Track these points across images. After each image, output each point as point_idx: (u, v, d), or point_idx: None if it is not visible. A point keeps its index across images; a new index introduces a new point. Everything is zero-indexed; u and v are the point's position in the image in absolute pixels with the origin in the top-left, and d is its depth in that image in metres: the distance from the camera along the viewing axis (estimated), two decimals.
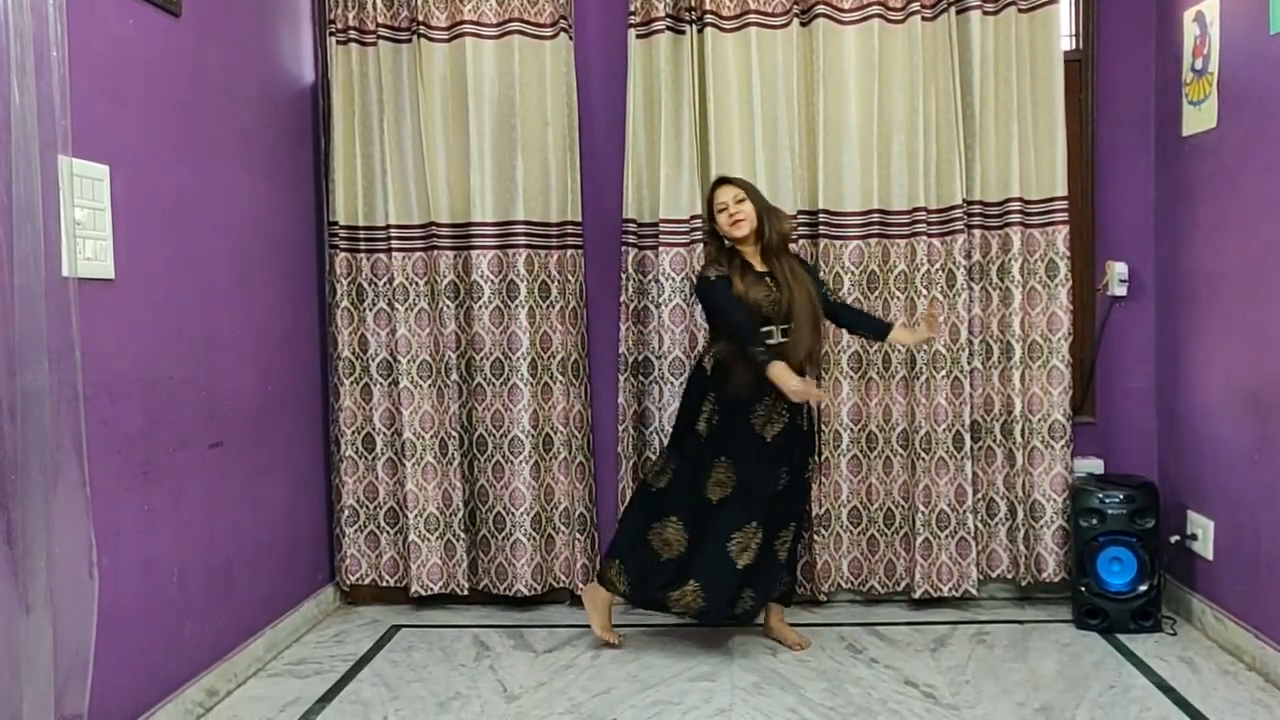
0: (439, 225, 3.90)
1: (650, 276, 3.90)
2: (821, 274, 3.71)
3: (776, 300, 3.30)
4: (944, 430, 3.82)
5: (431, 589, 3.96)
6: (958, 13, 3.78)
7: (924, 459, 3.83)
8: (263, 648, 3.47)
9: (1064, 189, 3.78)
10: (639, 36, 3.86)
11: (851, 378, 3.85)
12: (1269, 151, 3.13)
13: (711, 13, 3.79)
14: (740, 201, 3.34)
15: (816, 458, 3.73)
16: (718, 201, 3.38)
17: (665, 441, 3.85)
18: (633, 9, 3.85)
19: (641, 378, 3.95)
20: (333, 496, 4.07)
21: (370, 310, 3.98)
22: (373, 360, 3.98)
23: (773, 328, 3.30)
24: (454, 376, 3.94)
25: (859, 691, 3.13)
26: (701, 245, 3.77)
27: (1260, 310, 3.20)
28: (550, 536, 3.98)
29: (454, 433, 3.95)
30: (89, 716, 2.30)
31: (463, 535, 3.97)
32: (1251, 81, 3.22)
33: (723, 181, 3.42)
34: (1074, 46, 3.99)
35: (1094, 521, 3.61)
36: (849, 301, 3.79)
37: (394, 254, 3.93)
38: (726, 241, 3.42)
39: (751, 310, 3.27)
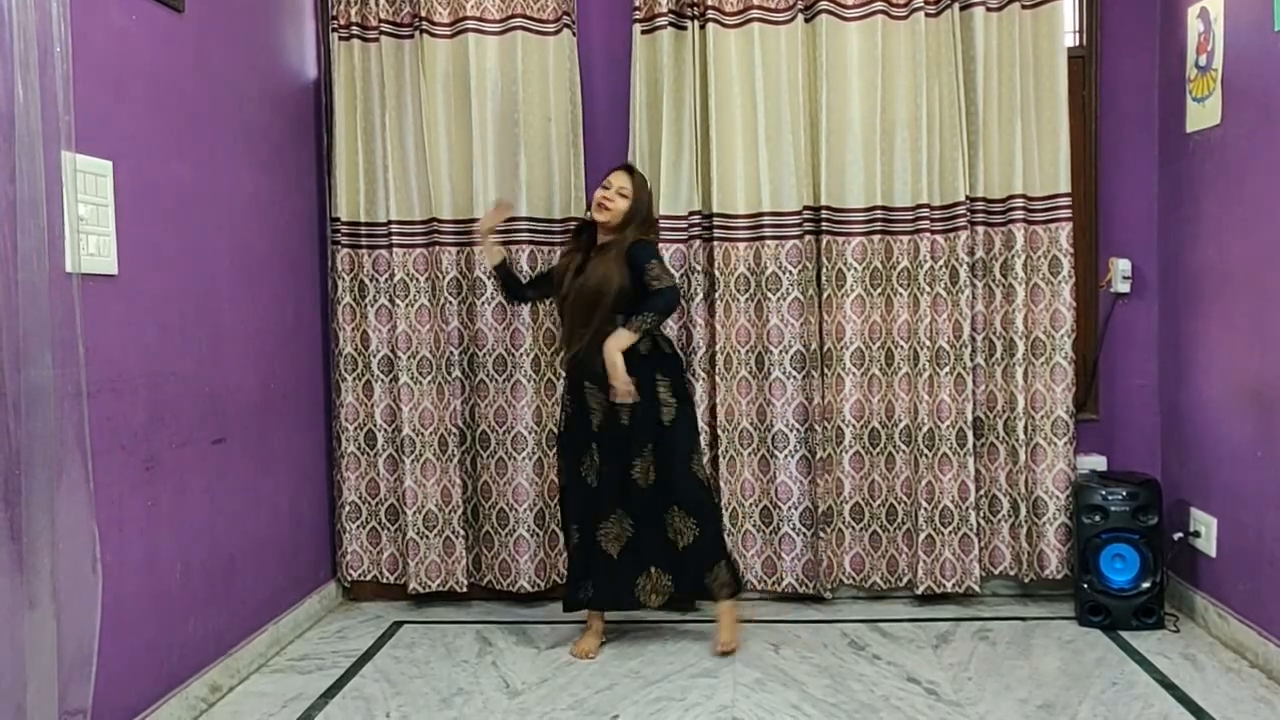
0: (441, 221, 3.90)
1: None
2: (656, 272, 3.29)
3: (566, 285, 3.40)
4: (947, 426, 3.82)
5: (429, 586, 3.96)
6: (961, 9, 3.77)
7: (927, 455, 3.83)
8: (265, 643, 3.48)
9: (1067, 186, 3.77)
10: (643, 32, 3.85)
11: (854, 374, 3.85)
12: (1273, 148, 3.12)
13: (714, 8, 3.79)
14: (623, 195, 3.35)
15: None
16: (606, 180, 3.40)
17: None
18: (636, 4, 3.85)
19: None
20: (334, 493, 4.07)
21: (372, 306, 3.97)
22: (374, 356, 3.98)
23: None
24: (455, 373, 3.93)
25: (861, 688, 3.13)
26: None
27: (1263, 308, 3.19)
28: (553, 532, 3.97)
29: (454, 429, 3.95)
30: (93, 711, 2.30)
31: (462, 532, 3.96)
32: (1255, 78, 3.22)
33: (625, 169, 3.45)
34: (1078, 43, 3.99)
35: (1097, 518, 3.61)
36: (847, 300, 3.81)
37: (396, 250, 3.93)
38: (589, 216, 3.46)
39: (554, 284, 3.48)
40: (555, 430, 3.70)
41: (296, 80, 3.87)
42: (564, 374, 3.55)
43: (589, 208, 3.93)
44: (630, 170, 3.44)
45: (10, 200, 2.05)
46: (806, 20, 3.82)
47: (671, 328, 3.85)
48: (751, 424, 3.90)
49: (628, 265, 3.29)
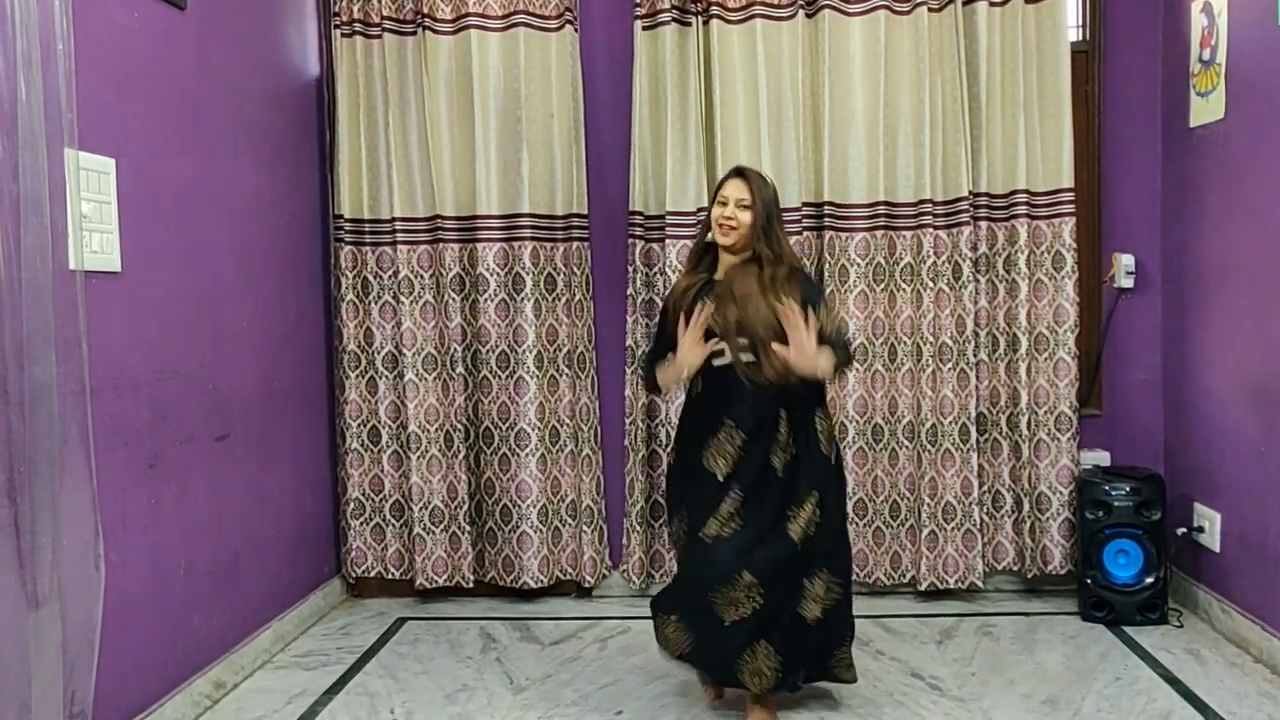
0: (444, 218, 3.90)
1: (656, 269, 3.89)
2: (827, 302, 3.03)
3: (724, 316, 2.78)
4: (950, 422, 3.82)
5: (436, 581, 3.97)
6: (964, 4, 3.77)
7: (930, 451, 3.83)
8: (270, 640, 3.48)
9: (1070, 181, 3.77)
10: (645, 28, 3.85)
11: (857, 369, 3.84)
12: (1277, 142, 3.11)
13: (717, 4, 3.78)
14: (743, 206, 2.81)
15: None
16: (721, 194, 2.87)
17: (672, 434, 3.85)
18: (637, 1, 3.84)
19: None
20: (338, 489, 4.08)
21: (375, 303, 3.98)
22: (378, 353, 3.99)
23: (723, 347, 2.78)
24: (460, 369, 3.94)
25: (865, 683, 3.12)
26: None
27: (1267, 303, 3.18)
28: (557, 529, 3.98)
29: (459, 426, 3.96)
30: (98, 708, 2.31)
31: (468, 528, 3.97)
32: (1259, 73, 3.21)
33: (737, 174, 2.88)
34: (1081, 37, 3.98)
35: (1100, 514, 3.61)
36: (850, 296, 3.81)
37: (399, 247, 3.93)
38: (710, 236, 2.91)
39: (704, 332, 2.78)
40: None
41: (299, 77, 3.87)
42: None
43: (591, 203, 3.97)
44: (744, 174, 2.86)
45: (13, 198, 2.06)
46: (809, 16, 3.82)
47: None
48: None
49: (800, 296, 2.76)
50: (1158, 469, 3.83)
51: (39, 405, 2.12)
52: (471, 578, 3.98)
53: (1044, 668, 3.24)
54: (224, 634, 3.21)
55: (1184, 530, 3.67)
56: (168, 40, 2.95)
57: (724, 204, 2.84)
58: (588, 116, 3.97)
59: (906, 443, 3.86)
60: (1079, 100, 3.88)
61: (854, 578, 3.88)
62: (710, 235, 2.89)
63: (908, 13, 3.76)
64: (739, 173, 2.89)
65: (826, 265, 3.83)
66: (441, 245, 3.91)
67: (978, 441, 3.85)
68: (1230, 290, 3.43)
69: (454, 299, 3.92)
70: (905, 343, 3.82)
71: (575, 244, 3.95)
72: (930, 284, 3.79)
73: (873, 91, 3.78)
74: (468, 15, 3.82)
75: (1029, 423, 3.83)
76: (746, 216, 2.81)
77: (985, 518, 3.90)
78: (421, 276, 3.95)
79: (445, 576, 3.98)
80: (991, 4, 3.75)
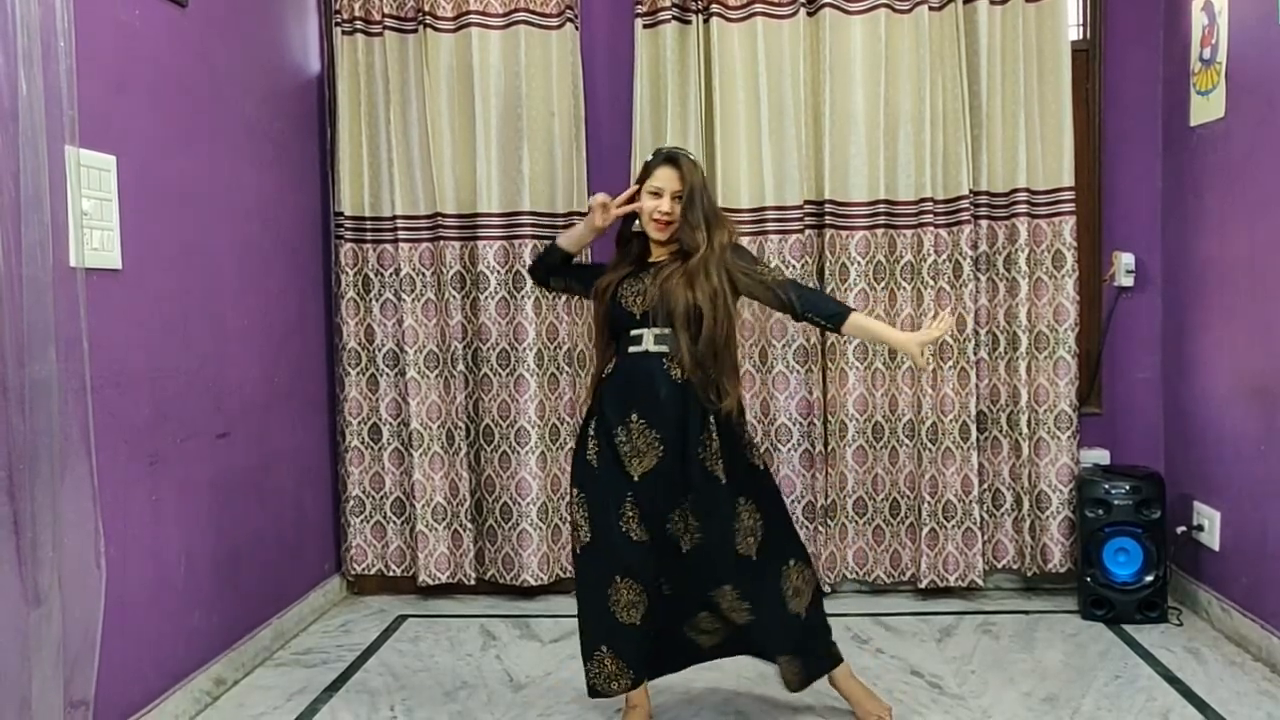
0: (445, 216, 3.90)
1: None
2: (765, 268, 2.86)
3: (645, 296, 2.67)
4: (950, 421, 3.82)
5: (439, 578, 3.97)
6: (965, 3, 3.76)
7: (930, 449, 3.83)
8: (270, 637, 3.49)
9: (1071, 179, 3.77)
10: (645, 27, 3.85)
11: (857, 368, 3.85)
12: (1277, 141, 3.11)
13: (718, 3, 3.78)
14: (678, 198, 2.67)
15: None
16: (653, 184, 2.70)
17: None
18: None
19: None
20: (338, 487, 4.08)
21: (376, 301, 3.98)
22: (379, 351, 3.99)
23: (645, 331, 2.66)
24: (460, 367, 3.94)
25: (865, 681, 3.12)
26: None
27: (1267, 302, 3.18)
28: (557, 527, 3.98)
29: (460, 423, 3.96)
30: (98, 705, 2.31)
31: (469, 525, 3.98)
32: (1260, 72, 3.21)
33: (670, 161, 2.71)
34: (1081, 36, 3.98)
35: (1100, 512, 3.61)
36: (850, 294, 3.80)
37: (400, 244, 3.93)
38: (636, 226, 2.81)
39: (620, 312, 2.70)
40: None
41: (300, 74, 3.87)
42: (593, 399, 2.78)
43: (590, 204, 3.96)
44: (677, 162, 2.70)
45: (14, 195, 2.06)
46: (809, 14, 3.82)
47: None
48: (755, 418, 3.90)
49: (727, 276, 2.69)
50: (1157, 467, 3.83)
51: (39, 403, 2.12)
52: (472, 575, 3.99)
53: (1044, 666, 3.24)
54: (224, 631, 3.21)
55: (1184, 529, 3.67)
56: (169, 37, 2.95)
57: (658, 195, 2.70)
58: (588, 114, 3.97)
59: (906, 441, 3.86)
60: (1079, 99, 3.88)
61: (854, 575, 3.94)
62: (636, 224, 2.80)
63: (908, 11, 3.76)
64: (672, 160, 2.71)
65: (827, 263, 3.83)
66: (442, 243, 3.91)
67: (978, 440, 3.85)
68: (1230, 289, 3.43)
69: (455, 296, 3.92)
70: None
71: None
72: (931, 282, 3.79)
73: (873, 90, 3.78)
74: (469, 13, 3.82)
75: (1029, 421, 3.84)
76: (678, 209, 2.68)
77: (985, 516, 3.90)
78: (423, 274, 3.96)
79: (448, 573, 3.98)
80: (992, 3, 3.75)
